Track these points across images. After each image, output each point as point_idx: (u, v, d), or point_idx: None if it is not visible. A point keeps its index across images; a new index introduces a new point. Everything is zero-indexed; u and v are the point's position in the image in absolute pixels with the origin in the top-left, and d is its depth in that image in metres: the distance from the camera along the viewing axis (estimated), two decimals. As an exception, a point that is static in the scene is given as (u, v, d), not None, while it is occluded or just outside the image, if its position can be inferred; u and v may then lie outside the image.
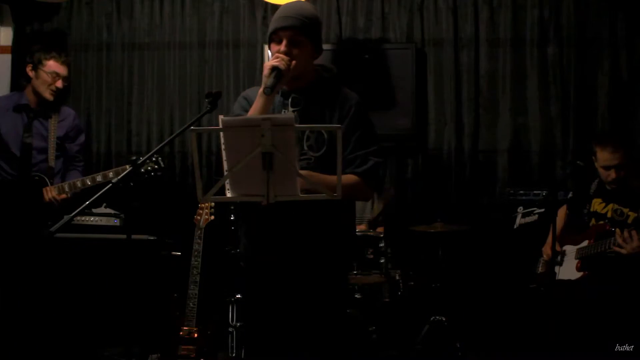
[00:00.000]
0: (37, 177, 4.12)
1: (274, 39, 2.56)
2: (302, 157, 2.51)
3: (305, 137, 2.54)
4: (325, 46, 4.96)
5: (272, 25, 2.58)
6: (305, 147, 2.53)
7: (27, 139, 4.17)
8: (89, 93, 5.28)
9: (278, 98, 2.60)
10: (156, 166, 4.13)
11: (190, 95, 5.21)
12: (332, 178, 2.34)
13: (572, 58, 4.92)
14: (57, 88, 4.19)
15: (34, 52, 4.21)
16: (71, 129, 4.34)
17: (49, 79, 4.16)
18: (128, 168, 4.17)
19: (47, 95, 4.18)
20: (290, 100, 2.59)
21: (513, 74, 4.97)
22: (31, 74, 4.19)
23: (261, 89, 2.47)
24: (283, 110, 2.59)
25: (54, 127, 4.22)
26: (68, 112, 4.38)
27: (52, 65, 4.17)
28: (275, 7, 5.00)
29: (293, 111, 2.56)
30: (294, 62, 2.49)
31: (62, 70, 4.21)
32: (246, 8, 5.18)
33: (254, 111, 2.50)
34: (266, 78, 2.44)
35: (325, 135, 2.52)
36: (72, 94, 5.27)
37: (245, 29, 5.16)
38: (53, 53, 4.20)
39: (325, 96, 2.60)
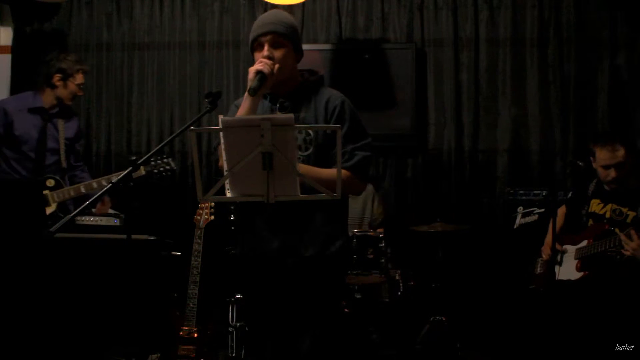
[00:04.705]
0: (53, 180, 4.13)
1: (255, 47, 2.67)
2: None
3: None
4: (325, 46, 5.07)
5: (252, 34, 2.68)
6: None
7: (42, 140, 4.19)
8: (89, 93, 5.27)
9: (266, 103, 2.70)
10: (167, 167, 4.18)
11: (190, 95, 5.21)
12: (325, 172, 2.53)
13: (572, 58, 4.93)
14: (77, 95, 4.30)
15: (62, 61, 4.19)
16: (78, 129, 4.44)
17: (77, 90, 4.24)
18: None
19: (69, 102, 4.27)
20: (278, 105, 2.68)
21: (513, 74, 4.97)
22: (59, 83, 4.18)
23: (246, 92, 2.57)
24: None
25: (63, 128, 4.27)
26: (73, 113, 4.43)
27: (81, 78, 4.24)
28: (275, 7, 5.01)
29: None
30: (277, 65, 2.59)
31: (84, 80, 4.30)
32: (246, 8, 5.18)
33: (240, 113, 2.59)
34: (251, 81, 2.55)
35: (312, 136, 2.62)
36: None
37: (245, 29, 5.16)
38: (84, 65, 4.29)
39: (311, 99, 2.69)
